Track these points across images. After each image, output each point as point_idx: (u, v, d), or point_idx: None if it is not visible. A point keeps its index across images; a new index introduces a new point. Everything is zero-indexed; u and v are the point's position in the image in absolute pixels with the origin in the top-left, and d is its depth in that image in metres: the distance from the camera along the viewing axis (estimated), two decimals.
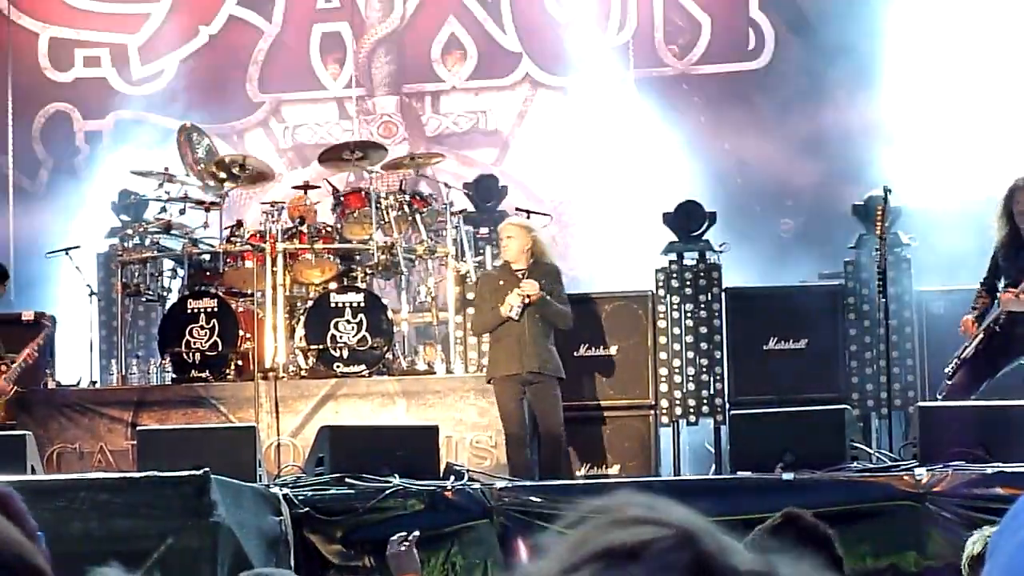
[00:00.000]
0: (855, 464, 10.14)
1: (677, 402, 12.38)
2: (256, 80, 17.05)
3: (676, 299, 12.54)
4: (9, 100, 16.73)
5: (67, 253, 13.21)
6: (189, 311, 12.29)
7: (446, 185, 13.18)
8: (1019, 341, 10.59)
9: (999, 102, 14.91)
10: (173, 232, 12.77)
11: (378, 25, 16.80)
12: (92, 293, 13.12)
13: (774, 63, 16.07)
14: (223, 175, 13.07)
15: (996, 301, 10.74)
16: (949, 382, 10.88)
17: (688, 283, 12.61)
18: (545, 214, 13.13)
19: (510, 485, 9.83)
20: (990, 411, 10.24)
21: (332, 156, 13.43)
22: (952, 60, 15.38)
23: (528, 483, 10.10)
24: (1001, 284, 10.79)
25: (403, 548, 5.81)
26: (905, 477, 9.47)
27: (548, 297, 11.13)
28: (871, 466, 10.30)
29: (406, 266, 12.74)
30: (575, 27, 16.32)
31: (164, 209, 12.83)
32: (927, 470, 9.44)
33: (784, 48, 15.98)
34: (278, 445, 11.63)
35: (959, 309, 11.06)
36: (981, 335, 10.64)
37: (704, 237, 12.88)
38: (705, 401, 12.41)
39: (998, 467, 9.30)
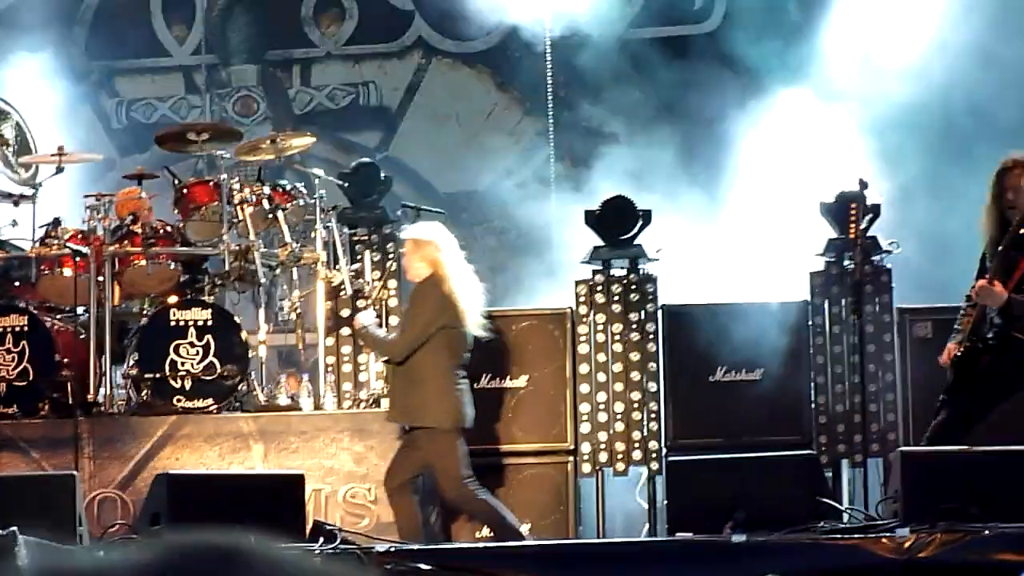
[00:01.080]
0: (822, 524, 10.11)
1: (602, 446, 12.54)
2: (83, 44, 16.82)
3: (602, 318, 12.61)
4: None
5: None
6: None
7: (316, 176, 13.06)
8: (1014, 367, 10.79)
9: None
10: None
11: None
12: None
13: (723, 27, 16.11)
14: (37, 161, 13.12)
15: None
16: (934, 420, 11.00)
17: (616, 298, 12.68)
18: (438, 211, 12.98)
19: (394, 549, 9.71)
20: (986, 458, 10.31)
21: (174, 138, 13.43)
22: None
23: (416, 547, 9.96)
24: None
25: None
26: (884, 540, 9.49)
27: (369, 329, 11.80)
28: (843, 526, 10.34)
29: (265, 276, 12.72)
30: None
31: None
32: (911, 531, 9.46)
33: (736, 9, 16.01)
34: (103, 499, 11.60)
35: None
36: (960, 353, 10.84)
37: (636, 241, 12.89)
38: (637, 445, 12.55)
39: (998, 528, 9.34)
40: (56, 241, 12.42)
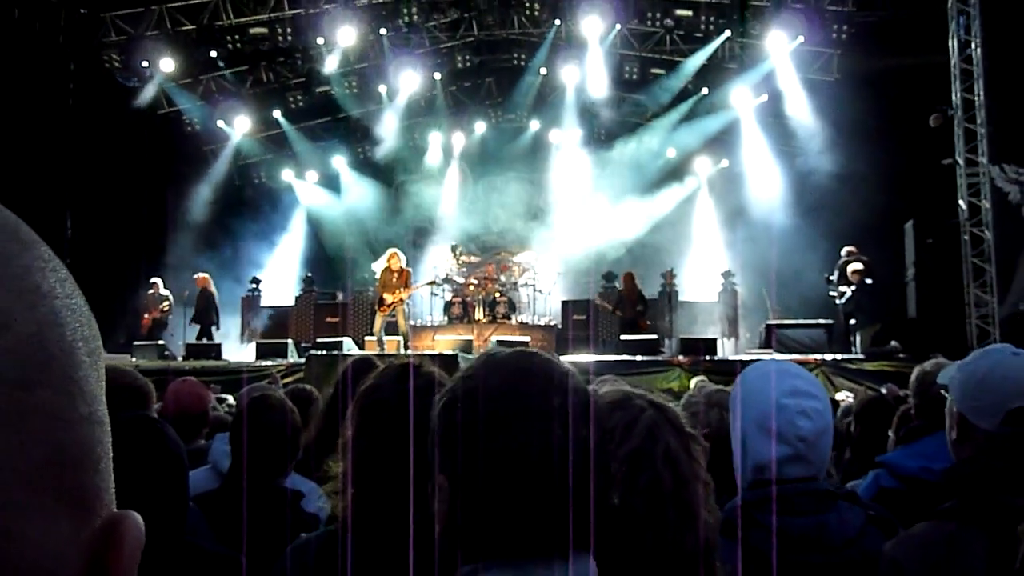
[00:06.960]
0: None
1: None
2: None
3: None
4: None
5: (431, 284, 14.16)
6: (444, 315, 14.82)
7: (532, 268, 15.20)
8: None
9: None
10: (446, 282, 14.86)
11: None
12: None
13: None
14: (464, 263, 15.46)
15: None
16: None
17: None
18: None
19: None
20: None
21: (495, 258, 15.85)
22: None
23: None
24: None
25: None
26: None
27: None
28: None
29: (511, 293, 14.82)
30: None
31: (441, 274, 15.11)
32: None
33: None
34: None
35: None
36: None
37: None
38: None
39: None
40: (471, 287, 14.56)
